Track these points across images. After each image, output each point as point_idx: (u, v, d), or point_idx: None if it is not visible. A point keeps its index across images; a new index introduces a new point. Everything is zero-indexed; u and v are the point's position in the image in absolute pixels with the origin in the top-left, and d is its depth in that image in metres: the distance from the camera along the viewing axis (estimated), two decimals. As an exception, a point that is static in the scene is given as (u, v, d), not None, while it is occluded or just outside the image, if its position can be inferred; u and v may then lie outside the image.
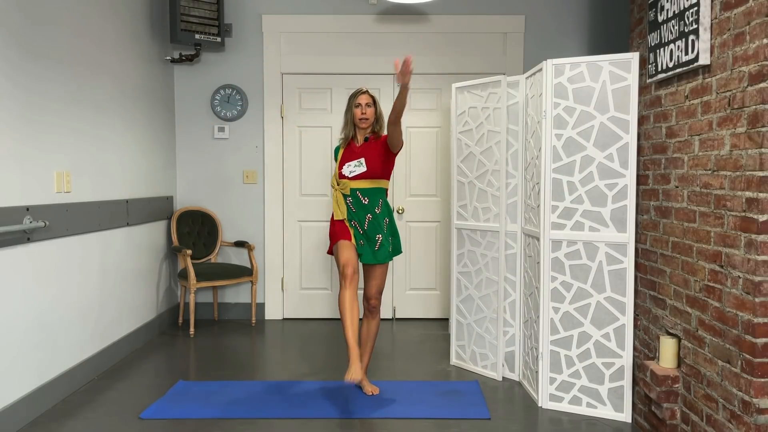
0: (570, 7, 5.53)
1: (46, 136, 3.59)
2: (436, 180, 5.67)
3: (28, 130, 3.42)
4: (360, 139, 3.74)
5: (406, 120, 5.63)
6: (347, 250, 3.65)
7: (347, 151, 3.74)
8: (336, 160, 3.79)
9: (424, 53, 5.58)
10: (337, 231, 3.73)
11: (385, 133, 3.74)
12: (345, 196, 3.69)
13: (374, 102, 3.72)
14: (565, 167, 3.55)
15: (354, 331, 3.48)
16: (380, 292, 3.80)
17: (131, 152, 4.72)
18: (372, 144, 3.71)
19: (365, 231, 3.69)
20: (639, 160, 3.44)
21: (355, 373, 3.36)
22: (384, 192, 3.74)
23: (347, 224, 3.71)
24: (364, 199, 3.67)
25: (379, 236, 3.68)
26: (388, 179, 3.76)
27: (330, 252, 3.81)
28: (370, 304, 3.80)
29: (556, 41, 5.52)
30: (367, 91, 3.71)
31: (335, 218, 3.74)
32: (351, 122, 3.72)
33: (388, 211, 3.75)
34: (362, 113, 3.68)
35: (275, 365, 4.44)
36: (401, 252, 3.86)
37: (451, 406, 3.62)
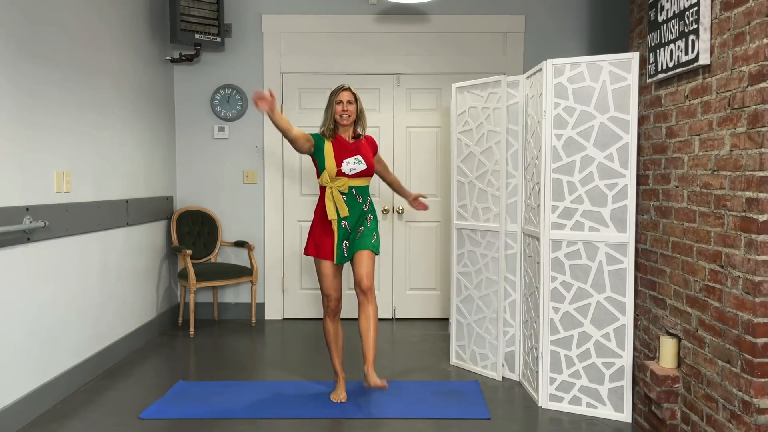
0: (570, 7, 5.53)
1: (46, 137, 3.59)
2: (436, 180, 5.67)
3: (28, 131, 3.42)
4: (347, 135, 3.66)
5: (406, 120, 5.64)
6: (330, 278, 3.61)
7: (337, 146, 3.60)
8: (321, 151, 3.60)
9: (424, 53, 5.58)
10: (317, 240, 3.62)
11: (366, 133, 3.76)
12: (341, 193, 3.59)
13: (356, 99, 3.65)
14: (565, 167, 3.55)
15: (339, 359, 3.77)
16: (371, 274, 3.56)
17: (131, 152, 4.72)
18: (363, 143, 3.69)
19: (352, 228, 3.62)
20: (639, 160, 3.44)
21: (341, 396, 3.72)
22: (368, 189, 3.73)
23: (334, 227, 3.58)
24: (359, 197, 3.63)
25: (362, 228, 3.62)
26: None
27: (307, 253, 3.69)
28: (363, 286, 3.54)
29: (556, 41, 5.52)
30: (349, 87, 3.65)
31: (328, 217, 3.57)
32: (331, 118, 3.62)
33: (373, 208, 3.73)
34: (343, 110, 3.60)
35: (275, 365, 4.44)
36: (378, 253, 3.66)
37: (451, 406, 3.62)
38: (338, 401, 3.68)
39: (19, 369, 3.34)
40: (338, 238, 3.59)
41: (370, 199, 3.73)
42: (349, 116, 3.61)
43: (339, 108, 3.61)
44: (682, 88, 3.00)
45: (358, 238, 3.61)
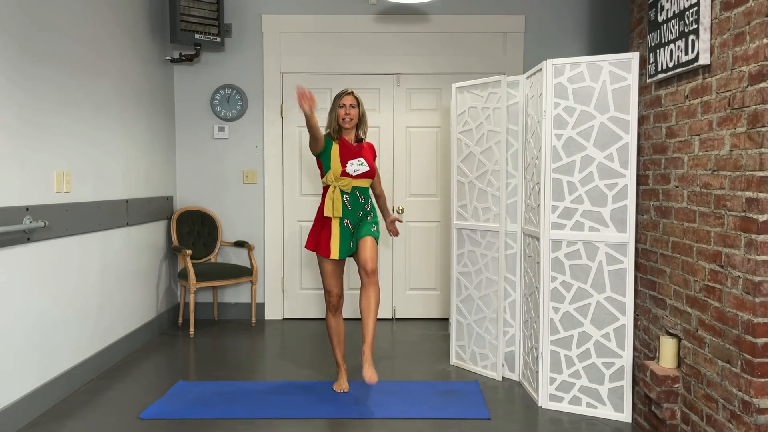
0: (570, 7, 5.52)
1: (46, 137, 3.59)
2: (436, 180, 5.67)
3: (28, 131, 3.42)
4: (350, 138, 3.82)
5: (405, 120, 5.64)
6: (331, 275, 3.77)
7: (343, 148, 3.75)
8: (328, 151, 3.72)
9: (424, 53, 5.58)
10: (317, 236, 3.75)
11: (366, 139, 3.92)
12: (343, 193, 3.72)
13: (358, 103, 3.80)
14: (565, 167, 3.55)
15: (341, 351, 3.91)
16: (374, 258, 3.68)
17: (131, 152, 4.72)
18: (365, 146, 3.86)
19: (355, 227, 3.78)
20: (639, 160, 3.44)
21: (343, 386, 3.87)
22: (369, 191, 3.88)
23: (335, 225, 3.70)
24: (361, 197, 3.76)
25: (361, 222, 3.80)
26: None
27: (307, 247, 3.82)
28: (367, 269, 3.65)
29: (556, 41, 5.52)
30: (352, 92, 3.80)
31: (324, 214, 3.71)
32: (335, 122, 3.78)
33: (374, 208, 3.90)
34: (346, 113, 3.75)
35: (275, 365, 4.44)
36: (377, 242, 3.77)
37: (451, 406, 3.62)
38: (341, 391, 3.84)
39: (19, 369, 3.34)
40: (341, 236, 3.72)
41: (372, 200, 3.89)
42: (352, 119, 3.77)
43: (342, 111, 3.76)
44: (682, 88, 3.00)
45: (360, 228, 3.78)
